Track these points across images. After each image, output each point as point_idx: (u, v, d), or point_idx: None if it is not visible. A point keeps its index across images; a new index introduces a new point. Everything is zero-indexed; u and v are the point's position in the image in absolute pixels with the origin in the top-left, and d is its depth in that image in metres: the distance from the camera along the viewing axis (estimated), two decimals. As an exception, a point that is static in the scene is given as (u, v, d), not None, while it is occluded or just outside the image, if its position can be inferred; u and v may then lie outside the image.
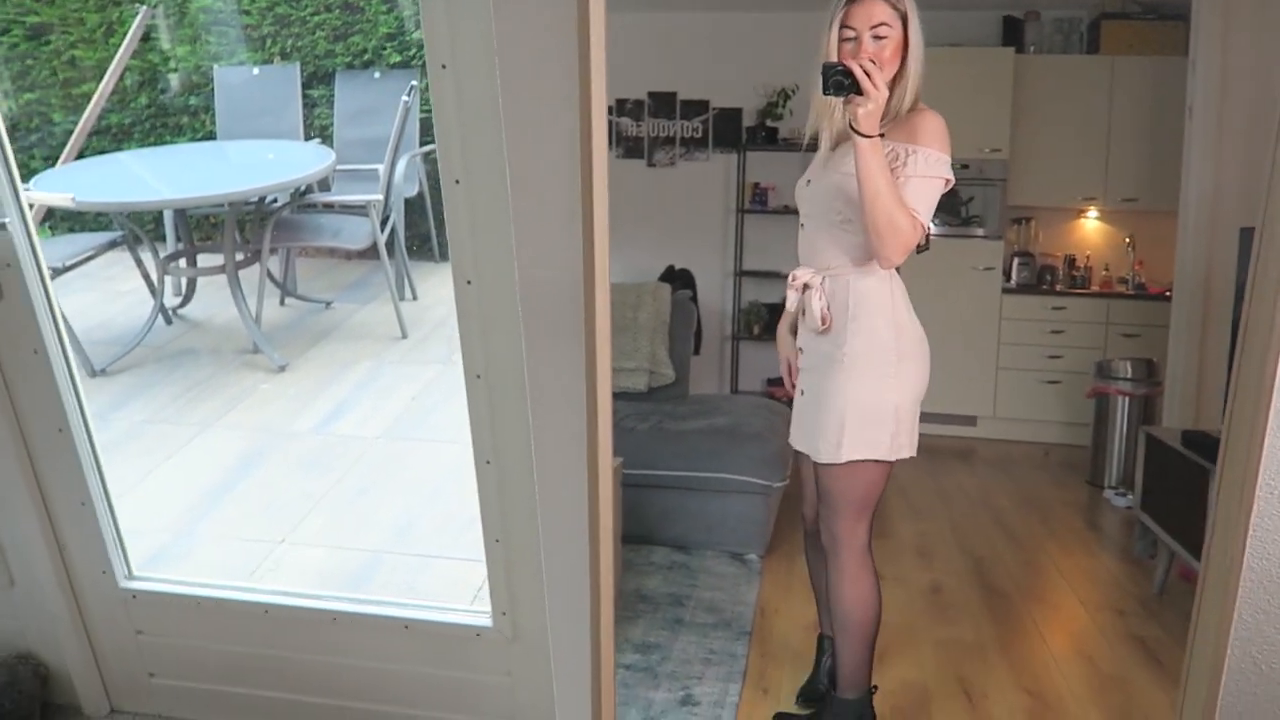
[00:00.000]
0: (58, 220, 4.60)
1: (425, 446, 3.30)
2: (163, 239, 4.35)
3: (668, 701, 2.43)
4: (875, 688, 2.17)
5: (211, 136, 4.61)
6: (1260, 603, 1.17)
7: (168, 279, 4.26)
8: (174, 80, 4.66)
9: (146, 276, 4.05)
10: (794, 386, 2.13)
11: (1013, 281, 5.07)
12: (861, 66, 1.70)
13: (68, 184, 3.72)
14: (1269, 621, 1.18)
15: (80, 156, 4.50)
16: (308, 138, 4.55)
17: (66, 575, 2.00)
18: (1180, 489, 2.90)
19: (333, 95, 4.51)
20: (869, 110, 1.69)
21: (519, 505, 1.66)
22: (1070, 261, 5.17)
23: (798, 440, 2.09)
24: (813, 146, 2.01)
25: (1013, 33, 4.95)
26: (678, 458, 3.43)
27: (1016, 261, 5.10)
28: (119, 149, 4.81)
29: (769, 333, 5.34)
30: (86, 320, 4.17)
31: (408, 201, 4.37)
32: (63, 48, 4.58)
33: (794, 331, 2.17)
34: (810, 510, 2.23)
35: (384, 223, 4.09)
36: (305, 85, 4.49)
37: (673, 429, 3.56)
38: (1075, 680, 2.57)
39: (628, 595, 3.04)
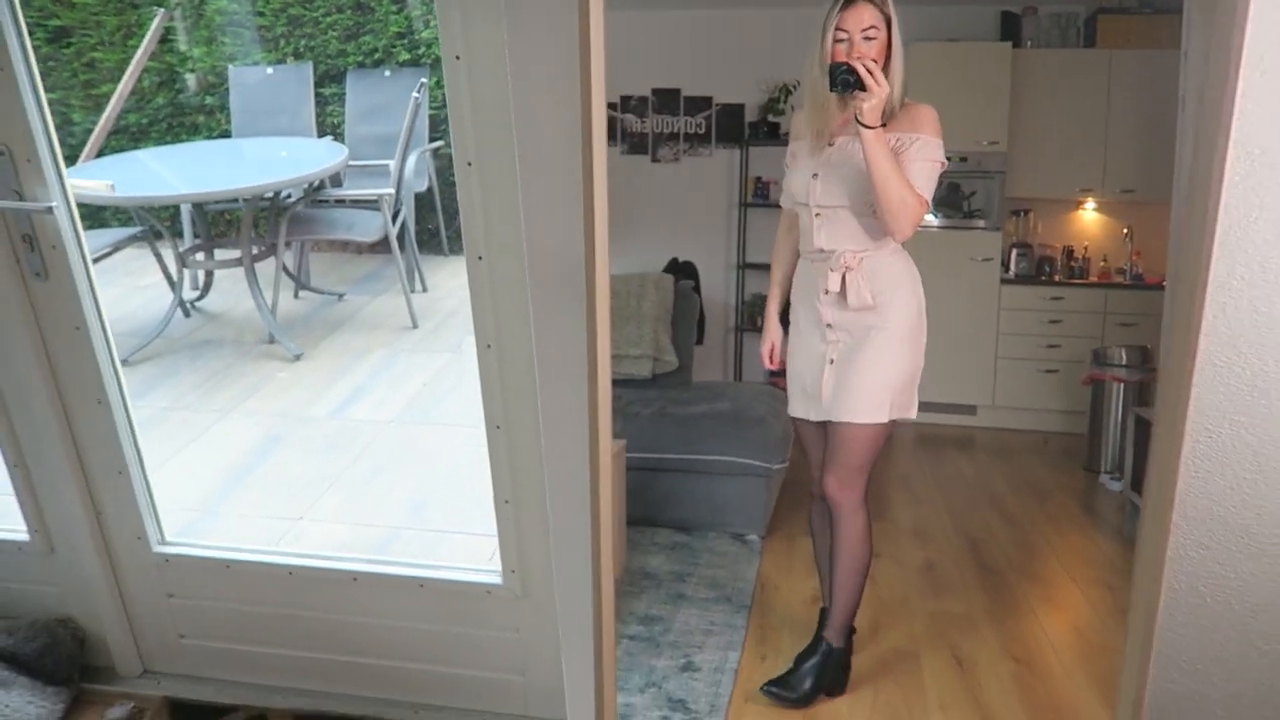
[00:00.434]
0: (79, 217, 4.73)
1: (438, 430, 3.42)
2: (181, 234, 4.48)
3: (669, 668, 2.54)
4: (855, 630, 2.45)
5: (227, 135, 4.74)
6: (1202, 538, 1.27)
7: (185, 273, 4.39)
8: (191, 80, 4.80)
9: (165, 270, 4.18)
10: (772, 363, 2.42)
11: (1011, 272, 5.16)
12: (865, 65, 1.93)
13: (92, 179, 3.86)
14: (1212, 556, 1.29)
15: (100, 155, 4.63)
16: (320, 135, 4.68)
17: (104, 541, 2.13)
18: (1166, 466, 2.99)
19: (344, 93, 4.63)
20: (873, 104, 1.94)
21: (527, 468, 1.78)
22: (1068, 252, 5.26)
23: (815, 410, 2.28)
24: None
25: (1010, 27, 5.04)
26: (681, 441, 3.54)
27: (1015, 252, 5.19)
28: (137, 148, 4.95)
29: (772, 324, 5.44)
30: (109, 313, 4.29)
31: (418, 196, 4.49)
32: (83, 50, 4.72)
33: (782, 319, 2.42)
34: (820, 472, 2.38)
35: (395, 216, 4.21)
36: (318, 84, 4.62)
37: (676, 414, 3.67)
38: (1063, 650, 2.66)
39: (632, 573, 3.15)
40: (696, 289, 4.79)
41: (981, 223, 5.06)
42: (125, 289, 4.63)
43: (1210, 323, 1.23)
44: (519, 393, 1.72)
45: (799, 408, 2.34)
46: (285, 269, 4.21)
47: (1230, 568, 1.32)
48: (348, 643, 2.08)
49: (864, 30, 2.01)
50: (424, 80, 4.25)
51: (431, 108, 4.30)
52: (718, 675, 2.51)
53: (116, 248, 4.15)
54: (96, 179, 4.01)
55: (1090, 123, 5.00)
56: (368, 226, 4.05)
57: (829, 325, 2.22)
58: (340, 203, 4.65)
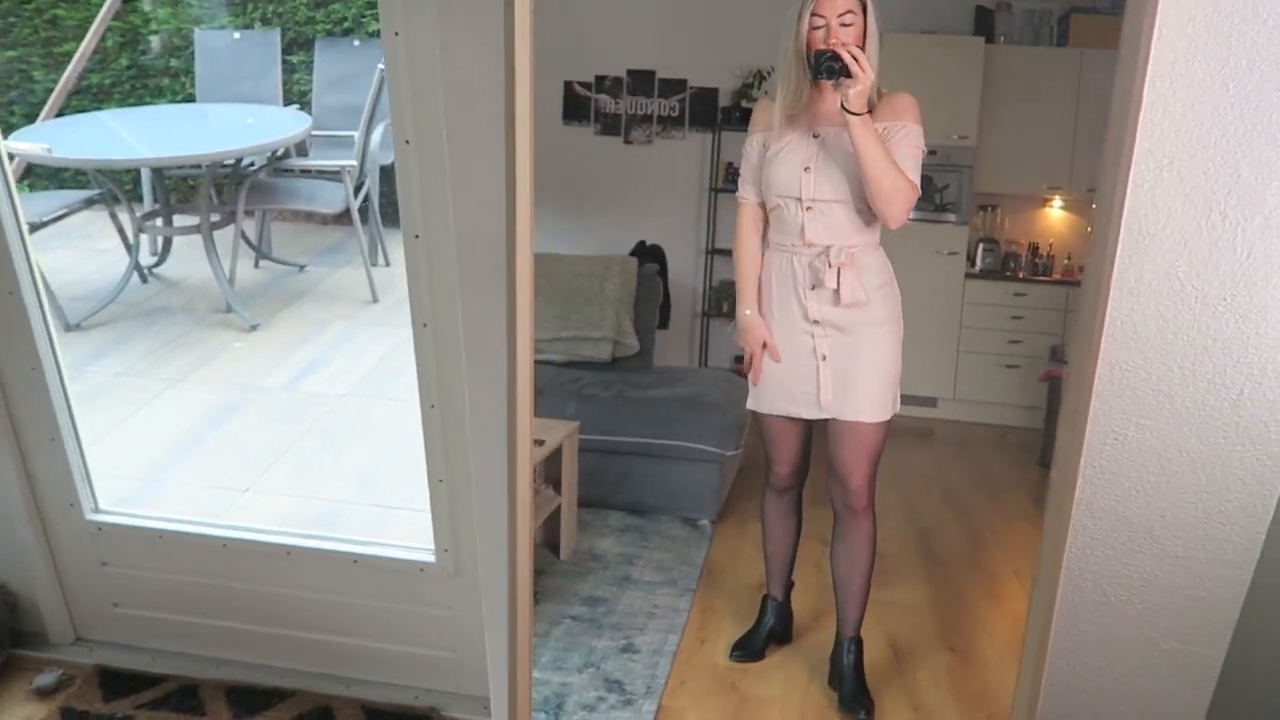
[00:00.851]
0: (37, 178, 4.66)
1: (392, 405, 3.41)
2: (140, 199, 4.42)
3: (609, 649, 2.56)
4: (793, 583, 2.58)
5: (191, 99, 4.67)
6: (1108, 538, 1.30)
7: (145, 238, 4.34)
8: (155, 42, 4.72)
9: (123, 235, 4.13)
10: (750, 367, 2.31)
11: (976, 267, 5.19)
12: (849, 52, 1.91)
13: (47, 140, 3.80)
14: (1116, 556, 1.32)
15: (61, 114, 4.55)
16: (287, 103, 4.63)
17: (36, 507, 2.11)
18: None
19: (312, 62, 4.58)
20: (858, 90, 1.92)
21: (460, 448, 1.78)
22: (1034, 249, 5.29)
23: (808, 409, 2.23)
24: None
25: (984, 22, 5.05)
26: (637, 425, 3.54)
27: (981, 247, 5.21)
28: (99, 108, 4.87)
29: (739, 310, 5.45)
30: (64, 277, 4.25)
31: (383, 169, 4.46)
32: (45, 6, 4.62)
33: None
34: (789, 469, 2.41)
35: (358, 189, 4.18)
36: (285, 51, 4.56)
37: (634, 397, 3.68)
38: (999, 642, 2.71)
39: (581, 554, 3.17)
40: (662, 273, 4.79)
41: (952, 217, 5.08)
42: (83, 252, 4.57)
43: (1118, 327, 1.26)
44: (454, 372, 1.72)
45: (781, 404, 2.26)
46: (245, 238, 4.17)
47: (1133, 568, 1.35)
48: (282, 616, 2.08)
49: (841, 15, 1.97)
50: (392, 51, 4.19)
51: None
52: (656, 658, 2.53)
53: (71, 210, 4.10)
54: (56, 138, 3.95)
55: (1060, 120, 5.03)
56: (330, 198, 4.02)
57: (816, 321, 2.17)
58: (306, 173, 4.60)
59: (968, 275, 5.11)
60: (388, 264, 4.43)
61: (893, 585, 3.06)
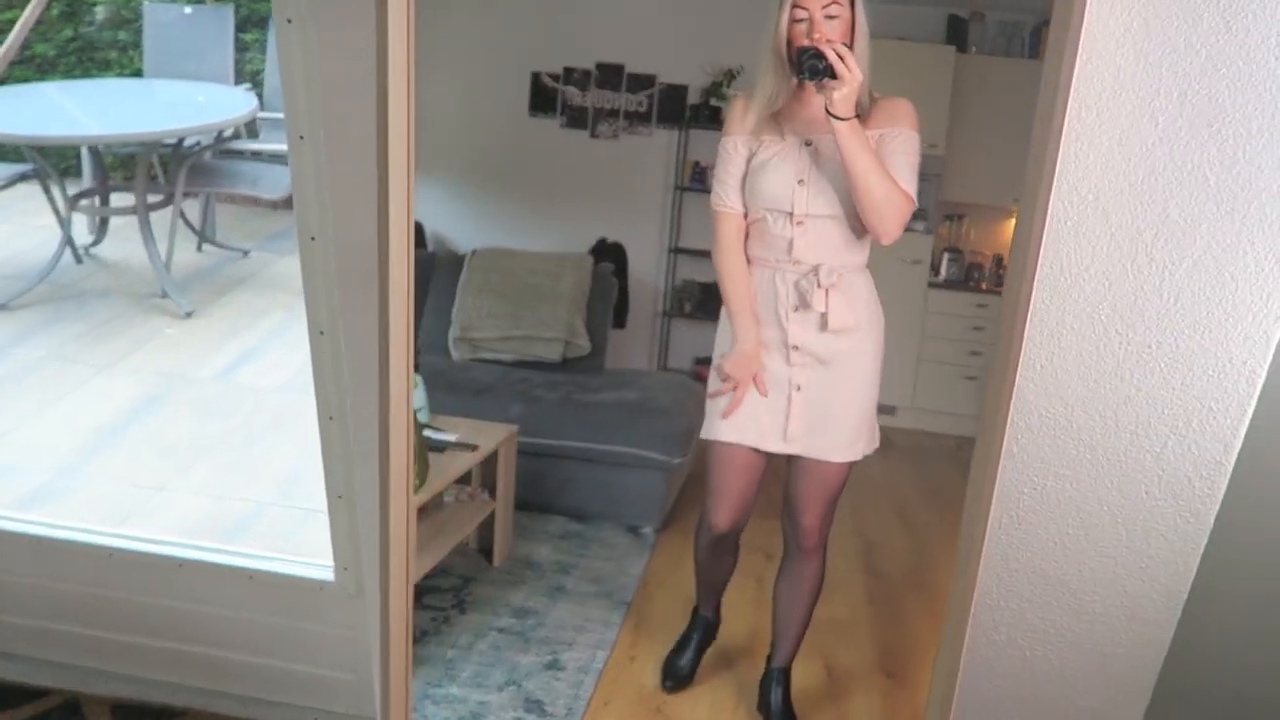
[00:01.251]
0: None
1: (325, 402, 3.29)
2: (81, 175, 4.26)
3: (534, 665, 2.47)
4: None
5: (139, 74, 4.51)
6: (1023, 590, 1.23)
7: (84, 217, 4.18)
8: (101, 12, 4.54)
9: (57, 212, 3.97)
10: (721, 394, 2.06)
11: (940, 276, 5.14)
12: (835, 50, 1.73)
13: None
14: (1032, 610, 1.25)
15: (1, 84, 4.37)
16: (239, 82, 4.47)
17: (-89, 507, 1.98)
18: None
19: (266, 41, 4.43)
20: (844, 93, 1.73)
21: (361, 461, 1.68)
22: (998, 260, 5.25)
23: (772, 440, 2.03)
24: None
25: (956, 32, 4.99)
26: (582, 428, 3.45)
27: (946, 257, 5.17)
28: (44, 80, 4.69)
29: (701, 311, 5.36)
30: (-4, 252, 4.09)
31: (335, 154, 4.32)
32: (-14, -31, 4.44)
33: None
34: (730, 519, 2.14)
35: (307, 174, 4.03)
36: (238, 28, 4.41)
37: (580, 400, 3.58)
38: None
39: (516, 561, 3.07)
40: (620, 272, 4.69)
41: (918, 225, 5.02)
42: (19, 228, 4.41)
43: (1037, 371, 1.18)
44: (353, 383, 1.62)
45: (745, 434, 2.03)
46: (186, 220, 4.02)
47: (1050, 622, 1.28)
48: (173, 630, 1.97)
49: (825, 7, 1.78)
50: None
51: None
52: (581, 675, 2.45)
53: (8, 183, 3.93)
54: (-7, 109, 3.79)
55: (1028, 132, 4.97)
56: (275, 183, 3.88)
57: (795, 347, 1.97)
58: (256, 155, 4.46)
59: (930, 284, 5.06)
60: (336, 252, 4.30)
61: (833, 601, 2.99)
